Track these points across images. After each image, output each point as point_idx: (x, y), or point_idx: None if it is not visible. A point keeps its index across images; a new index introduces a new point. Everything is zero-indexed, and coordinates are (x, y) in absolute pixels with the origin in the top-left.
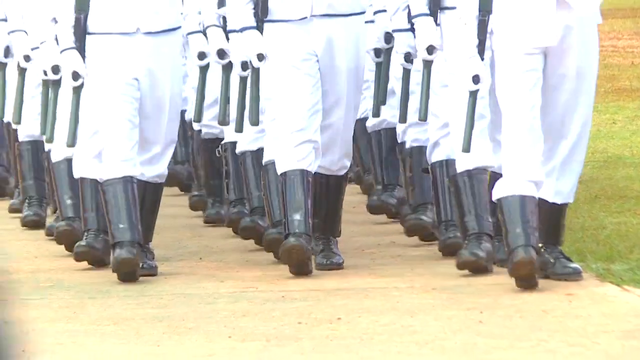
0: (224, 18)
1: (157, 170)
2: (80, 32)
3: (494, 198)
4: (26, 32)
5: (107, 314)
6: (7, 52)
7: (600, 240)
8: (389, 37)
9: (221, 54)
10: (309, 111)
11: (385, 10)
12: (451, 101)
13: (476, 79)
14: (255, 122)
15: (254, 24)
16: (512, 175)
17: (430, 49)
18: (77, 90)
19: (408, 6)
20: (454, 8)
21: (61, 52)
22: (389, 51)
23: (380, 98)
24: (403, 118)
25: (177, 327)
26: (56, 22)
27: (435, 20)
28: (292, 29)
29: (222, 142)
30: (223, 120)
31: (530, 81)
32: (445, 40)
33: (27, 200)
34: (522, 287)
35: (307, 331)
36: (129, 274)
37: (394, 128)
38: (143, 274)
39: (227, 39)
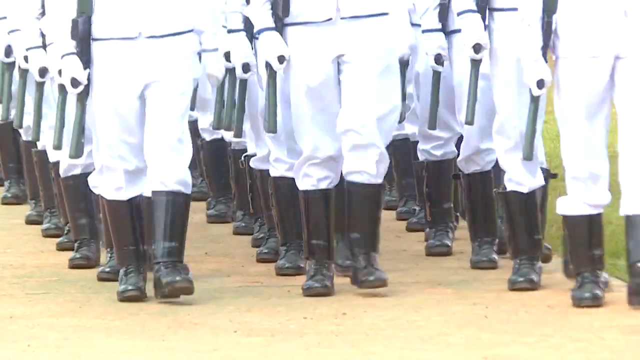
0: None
1: (177, 175)
2: (80, 35)
3: (559, 212)
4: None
5: (112, 308)
6: (9, 51)
7: (605, 235)
8: (411, 48)
9: (227, 56)
10: (326, 130)
11: (406, 13)
12: (503, 105)
13: (541, 84)
14: (273, 129)
15: (272, 25)
16: (575, 194)
17: (478, 48)
18: (81, 98)
19: (439, 5)
20: (503, 10)
21: (61, 57)
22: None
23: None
24: (432, 124)
25: (182, 321)
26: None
27: (483, 19)
28: (315, 31)
29: (245, 154)
30: (228, 125)
31: (597, 91)
32: (494, 42)
33: (49, 211)
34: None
35: (312, 326)
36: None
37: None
38: (180, 289)
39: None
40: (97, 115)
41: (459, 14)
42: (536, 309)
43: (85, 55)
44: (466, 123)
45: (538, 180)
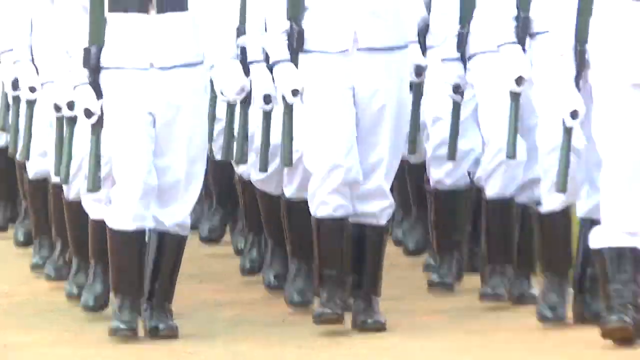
0: (243, 49)
1: (176, 217)
2: (93, 65)
3: (591, 246)
4: (33, 63)
5: (107, 337)
6: (16, 84)
7: None
8: (420, 70)
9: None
10: (346, 149)
11: (415, 41)
12: (543, 135)
13: (574, 115)
14: (288, 163)
15: (288, 57)
16: (610, 225)
17: (520, 80)
18: (96, 129)
19: (458, 34)
20: (545, 32)
21: (74, 87)
22: (420, 85)
23: (413, 134)
24: (452, 155)
25: (178, 351)
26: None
27: (523, 47)
28: (330, 61)
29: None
30: (240, 159)
31: (636, 119)
32: (537, 70)
33: (38, 242)
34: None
35: (307, 355)
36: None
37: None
38: (163, 336)
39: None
40: (110, 144)
41: (498, 46)
42: (531, 337)
43: (97, 86)
44: (508, 157)
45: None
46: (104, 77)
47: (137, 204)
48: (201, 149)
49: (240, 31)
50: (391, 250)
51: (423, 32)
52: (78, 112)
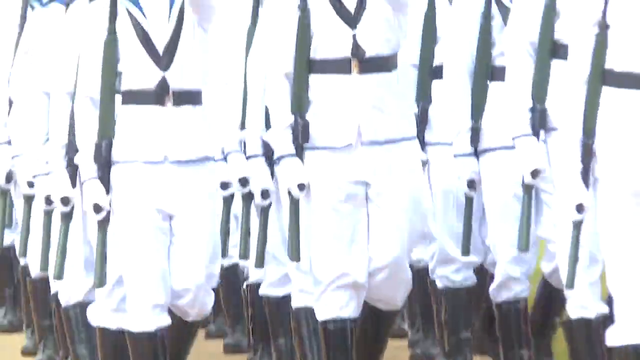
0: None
1: (200, 313)
2: (103, 160)
3: (608, 344)
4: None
5: None
6: (10, 177)
7: None
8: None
9: (243, 182)
10: (350, 254)
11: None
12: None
13: (580, 208)
14: (296, 257)
15: (293, 151)
16: (625, 322)
17: (535, 173)
18: (103, 225)
19: (471, 129)
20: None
21: (82, 182)
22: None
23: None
24: (466, 250)
25: None
26: (67, 148)
27: (539, 140)
28: (335, 157)
29: (247, 283)
30: (244, 254)
31: None
32: (552, 164)
33: (43, 342)
34: None
35: None
36: None
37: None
38: None
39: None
40: (119, 244)
41: (514, 138)
42: None
43: (106, 181)
44: (519, 249)
45: (603, 307)
46: (114, 172)
47: (154, 305)
48: (217, 247)
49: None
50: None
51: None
52: (87, 207)
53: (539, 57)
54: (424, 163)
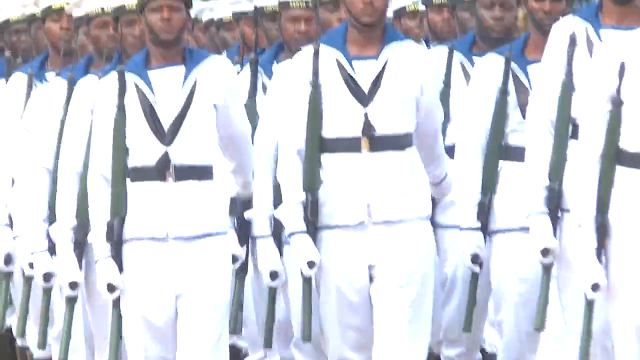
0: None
1: None
2: (116, 238)
3: None
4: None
5: None
6: (9, 259)
7: None
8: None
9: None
10: (358, 342)
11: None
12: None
13: (595, 287)
14: (308, 338)
15: (304, 228)
16: None
17: (546, 252)
18: (117, 305)
19: (479, 203)
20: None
21: (96, 262)
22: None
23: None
24: (468, 327)
25: None
26: (75, 229)
27: (553, 219)
28: (346, 236)
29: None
30: (234, 329)
31: None
32: (563, 245)
33: None
34: None
35: None
36: None
37: None
38: None
39: (248, 243)
40: (127, 325)
41: (527, 216)
42: None
43: (119, 259)
44: (536, 328)
45: None
46: (125, 250)
47: None
48: (223, 330)
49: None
50: None
51: None
52: (100, 287)
53: (556, 136)
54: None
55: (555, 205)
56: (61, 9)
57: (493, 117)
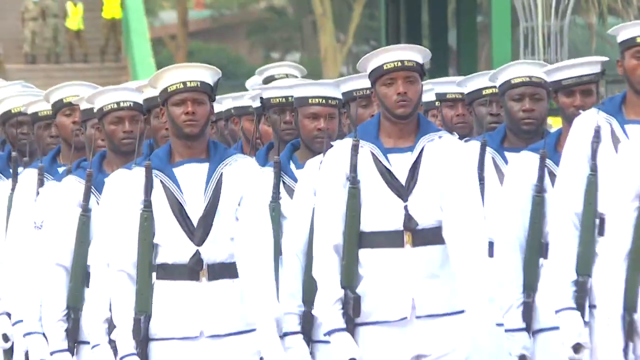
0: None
1: None
2: (141, 335)
3: None
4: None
5: None
6: (6, 339)
7: None
8: None
9: None
10: None
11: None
12: None
13: None
14: None
15: (344, 326)
16: None
17: (577, 348)
18: None
19: (523, 303)
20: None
21: (121, 359)
22: None
23: None
24: None
25: None
26: (109, 322)
27: (583, 314)
28: (389, 332)
29: None
30: None
31: None
32: (594, 342)
33: None
34: None
35: None
36: None
37: None
38: None
39: None
40: None
41: (557, 312)
42: None
43: (144, 357)
44: None
45: None
46: (152, 349)
47: None
48: None
49: None
50: None
51: None
52: None
53: (583, 230)
54: None
55: (583, 300)
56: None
57: (531, 215)
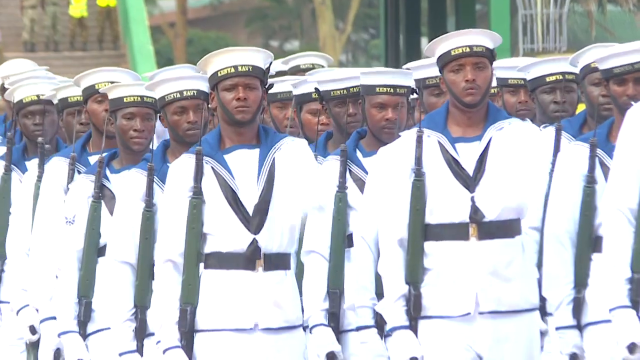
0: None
1: None
2: (187, 327)
3: None
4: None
5: None
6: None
7: None
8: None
9: (331, 357)
10: None
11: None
12: None
13: None
14: None
15: (407, 323)
16: None
17: (633, 347)
18: None
19: (574, 299)
20: None
21: (164, 351)
22: None
23: None
24: None
25: None
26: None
27: (638, 313)
28: (451, 327)
29: None
30: None
31: None
32: None
33: None
34: None
35: None
36: None
37: None
38: None
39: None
40: None
41: (610, 310)
42: None
43: (190, 350)
44: None
45: None
46: (198, 341)
47: None
48: None
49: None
50: None
51: None
52: None
53: (638, 225)
54: (543, 334)
55: (638, 297)
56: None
57: (581, 207)
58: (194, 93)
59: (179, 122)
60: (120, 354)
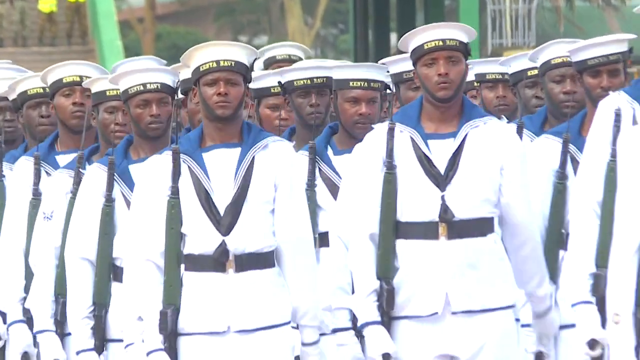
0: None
1: None
2: (169, 329)
3: None
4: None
5: None
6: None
7: None
8: None
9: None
10: None
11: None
12: None
13: None
14: None
15: (378, 319)
16: None
17: (593, 343)
18: None
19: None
20: None
21: (147, 354)
22: None
23: None
24: None
25: None
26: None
27: (599, 307)
28: (422, 327)
29: None
30: None
31: None
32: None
33: None
34: None
35: None
36: None
37: None
38: None
39: None
40: None
41: (572, 305)
42: None
43: (173, 352)
44: None
45: None
46: (181, 344)
47: None
48: None
49: None
50: None
51: None
52: None
53: (603, 219)
54: None
55: (602, 293)
56: (73, 83)
57: (551, 203)
58: (157, 86)
59: (142, 115)
60: (78, 352)
